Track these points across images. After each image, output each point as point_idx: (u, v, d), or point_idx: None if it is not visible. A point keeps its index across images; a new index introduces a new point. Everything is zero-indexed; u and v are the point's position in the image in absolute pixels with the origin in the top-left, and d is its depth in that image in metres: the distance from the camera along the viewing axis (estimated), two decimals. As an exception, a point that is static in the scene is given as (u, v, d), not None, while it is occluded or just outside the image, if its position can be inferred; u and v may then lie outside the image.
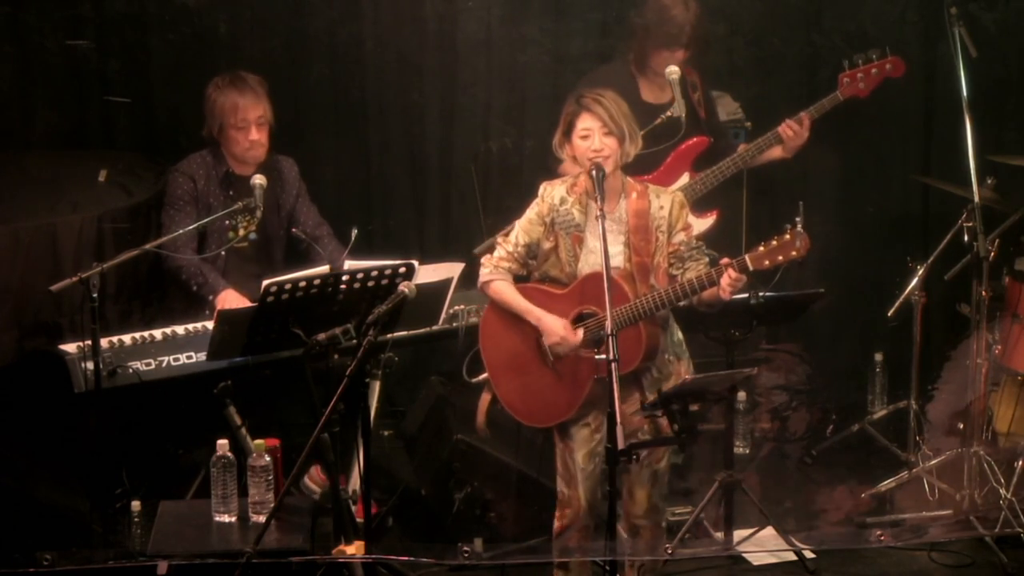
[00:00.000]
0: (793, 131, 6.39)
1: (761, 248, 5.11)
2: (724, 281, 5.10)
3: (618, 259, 5.24)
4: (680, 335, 5.43)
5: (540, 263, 5.37)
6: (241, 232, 6.24)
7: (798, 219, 5.06)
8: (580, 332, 5.26)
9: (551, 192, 5.35)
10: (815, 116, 6.43)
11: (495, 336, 5.42)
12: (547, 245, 5.34)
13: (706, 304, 5.27)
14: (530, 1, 7.20)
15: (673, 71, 6.31)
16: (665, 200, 5.31)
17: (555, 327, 5.27)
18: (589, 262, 5.28)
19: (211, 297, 6.05)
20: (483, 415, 5.53)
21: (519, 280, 5.41)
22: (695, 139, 6.44)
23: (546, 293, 5.33)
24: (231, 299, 6.00)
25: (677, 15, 6.35)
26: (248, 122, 6.15)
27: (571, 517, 5.39)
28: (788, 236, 5.07)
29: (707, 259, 5.33)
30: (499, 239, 5.45)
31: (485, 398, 5.51)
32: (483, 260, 5.42)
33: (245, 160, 6.21)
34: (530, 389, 5.37)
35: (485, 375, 5.51)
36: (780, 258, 5.09)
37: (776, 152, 6.46)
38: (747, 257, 5.11)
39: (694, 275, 5.20)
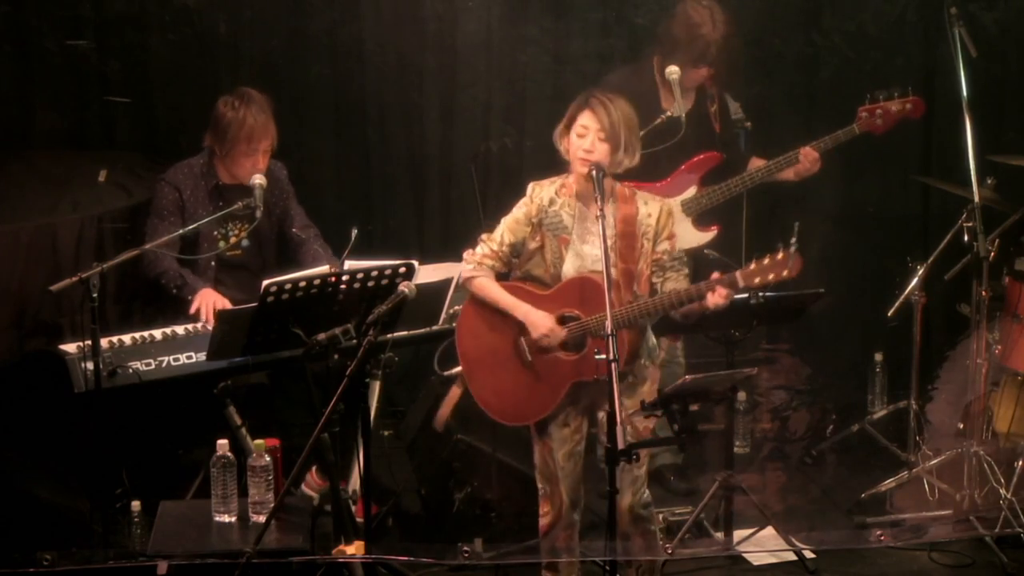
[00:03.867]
0: (808, 161, 6.39)
1: (753, 266, 5.11)
2: (712, 298, 5.10)
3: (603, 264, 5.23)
4: (654, 340, 5.43)
5: (523, 262, 5.36)
6: (232, 240, 6.22)
7: (793, 240, 5.06)
8: (564, 329, 5.25)
9: (540, 193, 5.34)
10: (830, 147, 6.43)
11: (473, 332, 5.39)
12: (533, 245, 5.32)
13: (683, 315, 5.27)
14: (530, 1, 7.20)
15: (673, 71, 6.29)
16: (653, 207, 5.30)
17: (542, 320, 5.25)
18: (574, 265, 5.27)
19: (190, 297, 6.02)
20: (449, 408, 5.55)
21: (500, 278, 5.39)
22: (708, 154, 6.43)
23: (528, 293, 5.32)
24: (209, 297, 5.99)
25: (705, 34, 6.32)
26: (257, 151, 6.11)
27: (555, 513, 5.40)
28: (781, 256, 5.08)
29: (686, 271, 5.34)
30: (482, 237, 5.41)
31: (455, 392, 5.53)
32: (465, 256, 5.39)
33: (242, 181, 6.18)
34: (505, 387, 5.35)
35: (458, 369, 5.49)
36: (771, 277, 5.09)
37: (787, 174, 6.46)
38: (738, 274, 5.11)
39: (681, 286, 5.21)
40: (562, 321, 5.27)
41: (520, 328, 5.29)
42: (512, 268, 5.40)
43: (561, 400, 5.30)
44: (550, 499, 5.41)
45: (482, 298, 5.35)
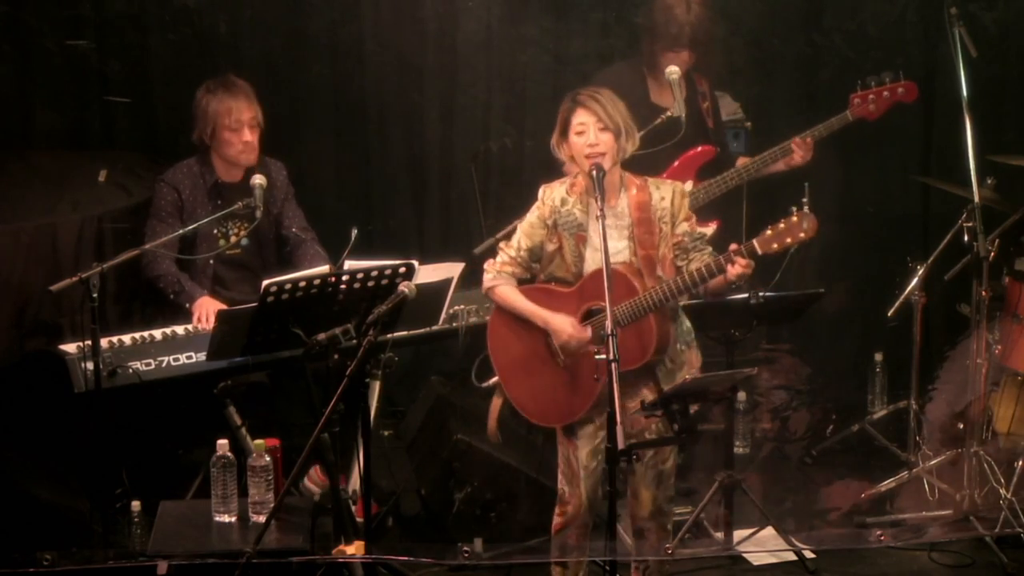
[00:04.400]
0: (802, 151, 6.40)
1: (769, 232, 5.07)
2: (733, 269, 5.07)
3: (623, 254, 5.23)
4: (688, 324, 5.40)
5: (544, 265, 5.35)
6: (232, 239, 6.22)
7: (804, 200, 5.03)
8: (588, 328, 5.25)
9: (551, 194, 5.33)
10: (823, 135, 6.44)
11: (504, 339, 5.38)
12: (551, 247, 5.31)
13: (712, 293, 5.27)
14: (530, 1, 7.21)
15: (673, 71, 6.31)
16: (666, 191, 5.29)
17: (563, 325, 5.25)
18: (595, 260, 5.24)
19: (188, 305, 6.04)
20: (495, 420, 5.49)
21: (523, 283, 5.38)
22: (702, 147, 6.43)
23: (552, 293, 5.30)
24: (208, 306, 5.99)
25: (679, 15, 6.37)
26: (241, 123, 6.13)
27: (571, 515, 5.38)
28: (795, 218, 5.03)
29: (710, 249, 5.29)
30: (500, 245, 5.41)
31: (496, 403, 5.47)
32: (486, 266, 5.39)
33: (237, 163, 6.18)
34: (542, 390, 5.33)
35: (495, 379, 5.47)
36: (788, 240, 5.04)
37: (780, 165, 6.47)
38: (755, 241, 5.07)
39: (701, 264, 5.17)
40: (589, 315, 5.26)
41: (548, 330, 5.29)
42: (534, 273, 5.38)
43: (599, 395, 5.24)
44: (569, 501, 5.37)
45: (504, 306, 5.35)
